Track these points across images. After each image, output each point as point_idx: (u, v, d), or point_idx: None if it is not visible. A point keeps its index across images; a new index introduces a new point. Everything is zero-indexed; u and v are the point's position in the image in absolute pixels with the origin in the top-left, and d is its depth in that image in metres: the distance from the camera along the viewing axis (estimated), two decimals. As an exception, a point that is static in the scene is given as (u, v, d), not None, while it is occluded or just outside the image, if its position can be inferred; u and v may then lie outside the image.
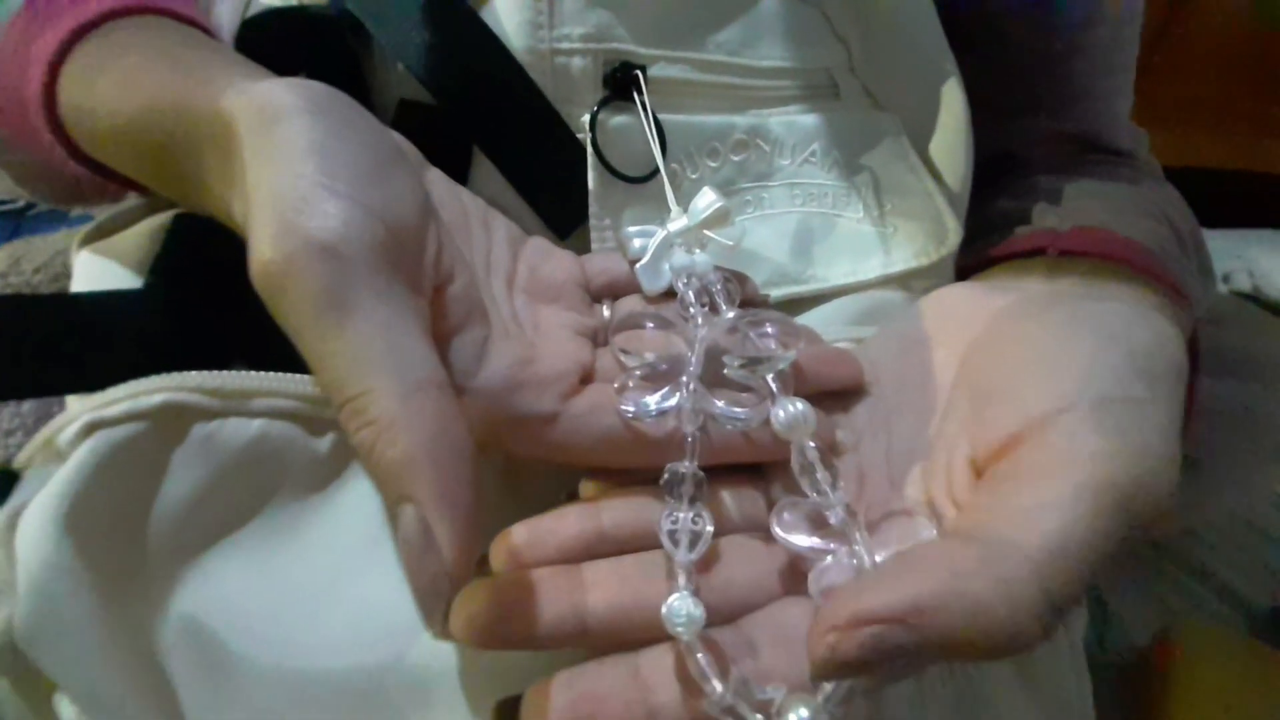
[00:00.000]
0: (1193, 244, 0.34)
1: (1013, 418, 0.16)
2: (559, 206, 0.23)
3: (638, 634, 0.16)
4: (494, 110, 0.22)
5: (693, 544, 0.17)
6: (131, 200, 0.25)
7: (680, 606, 0.15)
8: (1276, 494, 0.49)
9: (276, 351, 0.20)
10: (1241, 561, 0.43)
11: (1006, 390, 0.17)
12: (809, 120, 0.27)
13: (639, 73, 0.23)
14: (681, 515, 0.17)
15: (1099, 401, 0.15)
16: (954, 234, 0.28)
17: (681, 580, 0.16)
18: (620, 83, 0.23)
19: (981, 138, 0.31)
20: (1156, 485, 0.14)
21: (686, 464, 0.18)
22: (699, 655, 0.15)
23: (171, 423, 0.19)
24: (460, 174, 0.23)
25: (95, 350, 0.21)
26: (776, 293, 0.25)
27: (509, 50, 0.22)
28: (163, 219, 0.24)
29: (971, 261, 0.30)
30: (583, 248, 0.23)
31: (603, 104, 0.23)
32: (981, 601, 0.12)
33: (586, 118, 0.23)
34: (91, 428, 0.18)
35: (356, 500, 0.20)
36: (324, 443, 0.20)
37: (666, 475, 0.18)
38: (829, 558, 0.16)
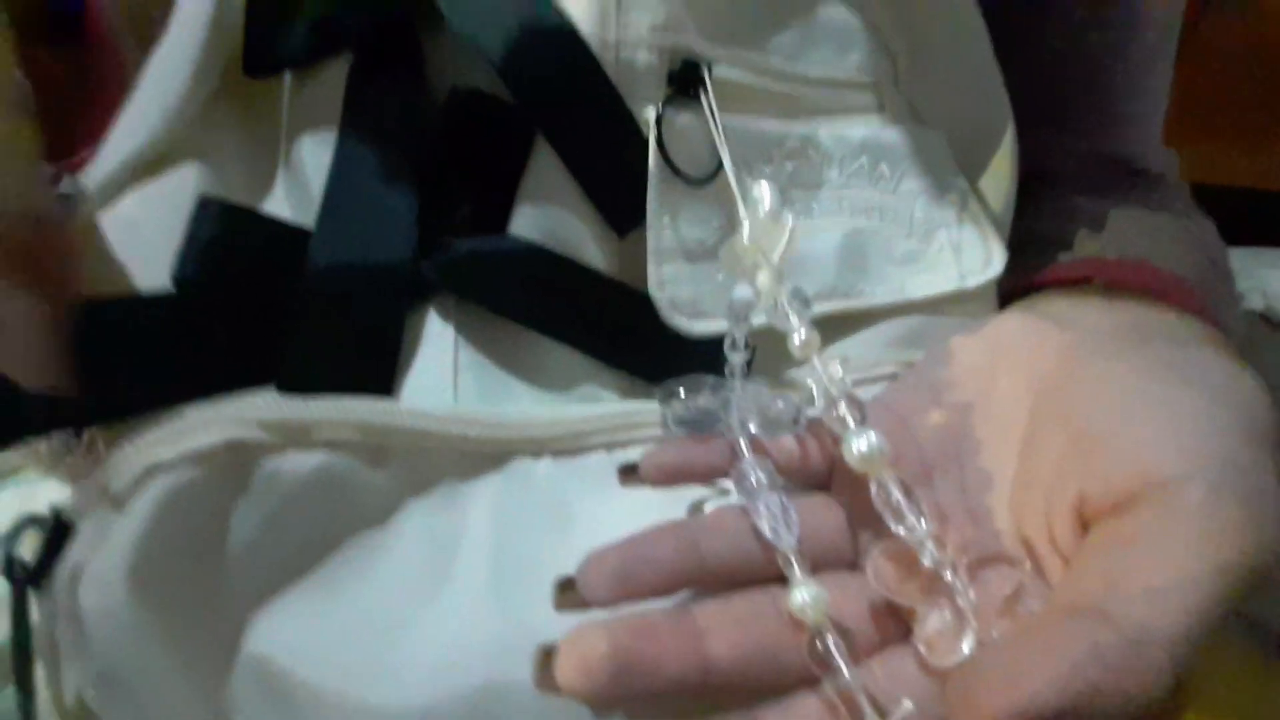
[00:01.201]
0: (1226, 275, 0.34)
1: (1132, 473, 0.15)
2: (620, 203, 0.23)
3: (756, 683, 0.16)
4: (564, 101, 0.22)
5: (789, 526, 0.17)
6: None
7: (803, 592, 0.16)
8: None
9: (309, 363, 0.20)
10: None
11: (1117, 440, 0.16)
12: (856, 133, 0.27)
13: (705, 70, 0.23)
14: (766, 502, 0.17)
15: (1225, 468, 0.15)
16: (999, 257, 0.28)
17: (796, 569, 0.16)
18: (686, 80, 0.23)
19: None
20: (1276, 555, 0.14)
21: (748, 459, 0.18)
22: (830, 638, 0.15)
23: (232, 461, 0.18)
24: (518, 164, 0.23)
25: (122, 368, 0.19)
26: (825, 307, 0.25)
27: (584, 39, 0.22)
28: (169, 190, 0.22)
29: (1012, 284, 0.30)
30: (640, 248, 0.23)
31: (668, 101, 0.23)
32: (1130, 696, 0.13)
33: (651, 113, 0.22)
34: (150, 472, 0.17)
35: (417, 533, 0.20)
36: (383, 474, 0.20)
37: (735, 479, 0.18)
38: (934, 613, 0.16)
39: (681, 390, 0.21)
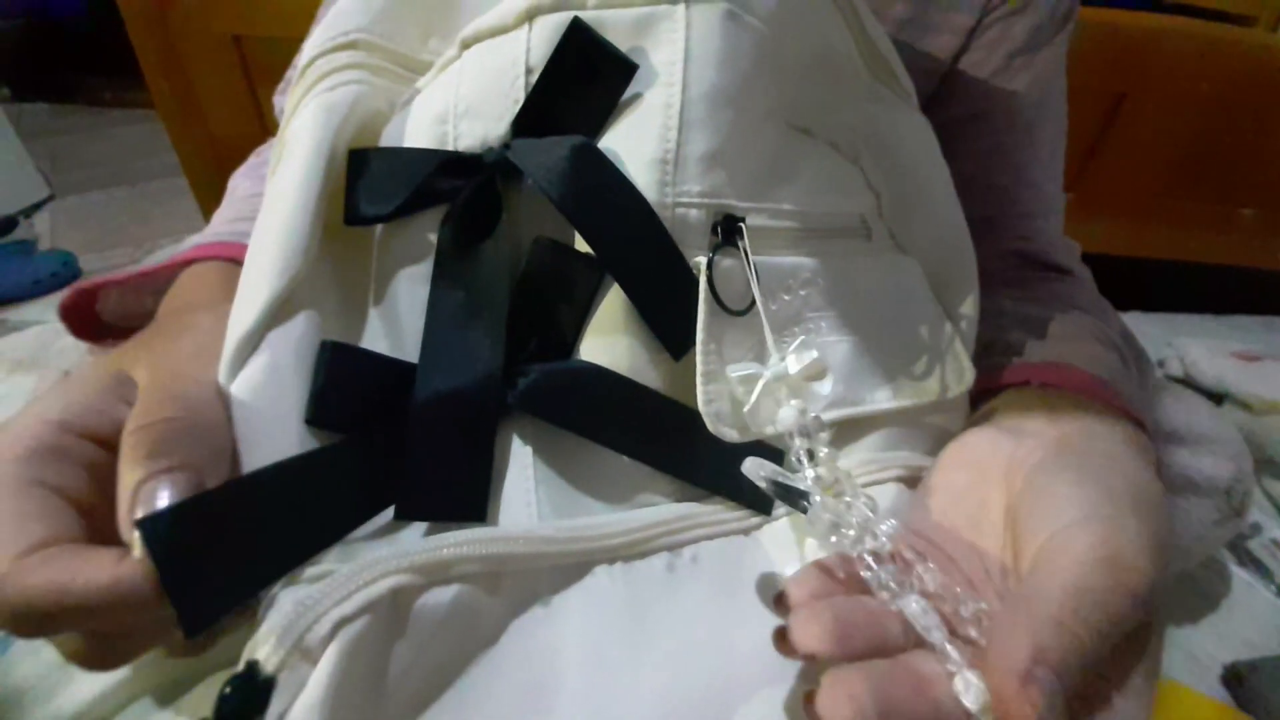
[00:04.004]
0: (1133, 357, 0.41)
1: (1034, 544, 0.22)
2: (676, 333, 0.26)
3: None
4: (632, 250, 0.25)
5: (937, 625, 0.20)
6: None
7: (970, 684, 0.19)
8: (1210, 557, 0.56)
9: (422, 488, 0.23)
10: (1193, 623, 0.49)
11: (1029, 529, 0.23)
12: (851, 262, 0.31)
13: (743, 224, 0.27)
14: (910, 604, 0.21)
15: (1084, 517, 0.21)
16: (969, 372, 0.33)
17: (953, 655, 0.19)
18: (727, 231, 0.27)
19: None
20: (1130, 556, 0.20)
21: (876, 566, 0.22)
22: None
23: (392, 604, 0.20)
24: (587, 302, 0.26)
25: (305, 523, 0.21)
26: (834, 414, 0.29)
27: (645, 199, 0.25)
28: (292, 335, 0.24)
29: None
30: (688, 370, 0.26)
31: (716, 249, 0.27)
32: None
33: (702, 259, 0.26)
34: (338, 626, 0.19)
35: (523, 653, 0.22)
36: (498, 600, 0.22)
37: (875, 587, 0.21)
38: None
39: (764, 468, 0.25)
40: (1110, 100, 0.81)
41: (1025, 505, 0.24)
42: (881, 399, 0.30)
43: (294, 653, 0.18)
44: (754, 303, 0.27)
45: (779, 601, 0.22)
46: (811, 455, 0.25)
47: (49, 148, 1.70)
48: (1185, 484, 0.51)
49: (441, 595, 0.21)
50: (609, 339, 0.26)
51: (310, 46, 0.29)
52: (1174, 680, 0.45)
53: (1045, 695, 0.18)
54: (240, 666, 0.18)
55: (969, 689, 0.19)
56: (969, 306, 0.35)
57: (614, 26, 0.27)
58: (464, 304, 0.25)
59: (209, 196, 1.06)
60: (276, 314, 0.23)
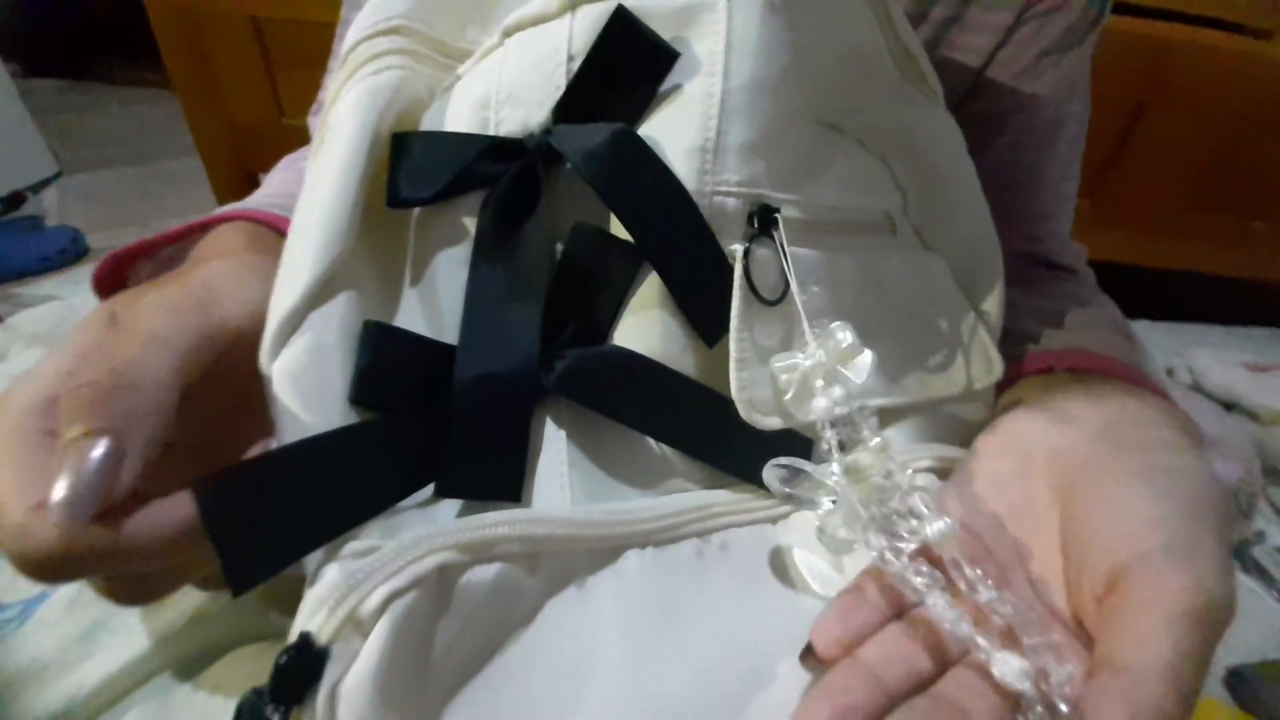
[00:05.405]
0: (1136, 339, 0.41)
1: (1107, 563, 0.21)
2: (710, 319, 0.26)
3: None
4: (671, 238, 0.26)
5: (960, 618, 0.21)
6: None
7: (1007, 664, 0.19)
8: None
9: (463, 469, 0.23)
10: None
11: (1098, 539, 0.22)
12: (876, 257, 0.32)
13: (778, 215, 0.27)
14: (933, 599, 0.21)
15: (1169, 546, 0.20)
16: (998, 364, 0.33)
17: (982, 642, 0.20)
18: (763, 220, 0.27)
19: None
20: (1222, 598, 0.20)
21: (912, 568, 0.22)
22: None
23: (438, 580, 0.21)
24: (624, 288, 0.27)
25: (349, 492, 0.21)
26: (860, 404, 0.29)
27: (684, 186, 0.26)
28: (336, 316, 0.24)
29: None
30: (721, 357, 0.27)
31: (752, 238, 0.27)
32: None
33: (738, 248, 0.27)
34: (389, 599, 0.19)
35: (559, 632, 0.22)
36: (536, 578, 0.22)
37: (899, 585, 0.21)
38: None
39: (784, 471, 0.25)
40: (1130, 110, 0.81)
41: (1086, 508, 0.23)
42: (909, 390, 0.31)
43: (346, 624, 0.19)
44: (786, 292, 0.28)
45: (806, 656, 0.22)
46: (843, 446, 0.25)
47: (58, 124, 1.69)
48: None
49: (485, 573, 0.21)
50: (644, 325, 0.26)
51: (353, 32, 0.29)
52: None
53: None
54: (293, 637, 0.18)
55: (1008, 672, 0.19)
56: (994, 302, 0.35)
57: (656, 16, 0.27)
58: (503, 287, 0.25)
59: (224, 178, 1.06)
60: (319, 294, 0.23)
